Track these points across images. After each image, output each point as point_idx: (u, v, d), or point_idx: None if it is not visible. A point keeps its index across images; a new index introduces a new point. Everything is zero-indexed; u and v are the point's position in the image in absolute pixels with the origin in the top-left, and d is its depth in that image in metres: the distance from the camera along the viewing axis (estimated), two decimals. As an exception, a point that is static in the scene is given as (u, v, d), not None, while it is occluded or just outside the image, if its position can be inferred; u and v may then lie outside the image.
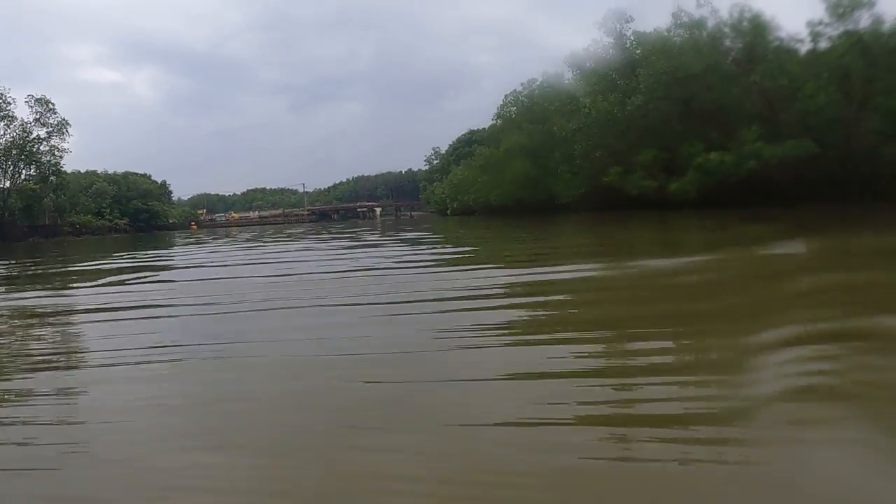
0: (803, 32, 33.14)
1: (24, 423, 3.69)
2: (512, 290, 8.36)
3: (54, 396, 4.25)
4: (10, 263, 22.61)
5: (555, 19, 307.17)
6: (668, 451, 2.79)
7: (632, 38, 43.64)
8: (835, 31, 31.23)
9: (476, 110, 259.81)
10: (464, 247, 19.07)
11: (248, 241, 33.65)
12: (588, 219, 33.45)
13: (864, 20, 30.32)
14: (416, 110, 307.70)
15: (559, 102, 46.76)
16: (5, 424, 3.68)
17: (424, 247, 19.52)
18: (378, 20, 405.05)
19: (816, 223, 19.03)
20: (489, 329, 5.46)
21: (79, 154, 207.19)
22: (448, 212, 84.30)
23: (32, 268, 19.71)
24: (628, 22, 44.28)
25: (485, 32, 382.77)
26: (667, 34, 38.78)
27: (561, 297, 7.65)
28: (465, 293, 7.65)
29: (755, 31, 34.42)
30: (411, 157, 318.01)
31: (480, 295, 7.60)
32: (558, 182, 45.67)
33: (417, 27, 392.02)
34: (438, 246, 19.89)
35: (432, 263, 13.53)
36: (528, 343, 5.06)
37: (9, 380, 4.79)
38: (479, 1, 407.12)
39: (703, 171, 32.58)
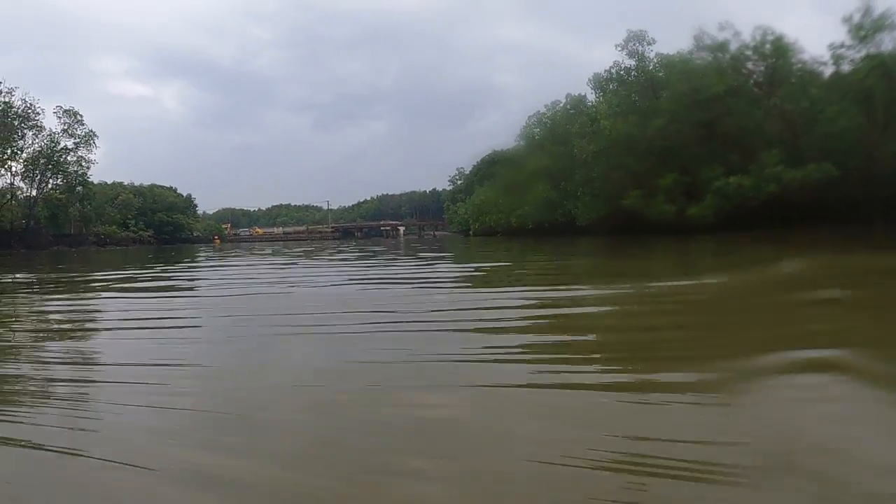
0: (826, 55, 32.83)
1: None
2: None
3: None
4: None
5: (585, 40, 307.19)
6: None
7: (654, 59, 43.49)
8: (857, 53, 31.01)
9: (501, 130, 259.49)
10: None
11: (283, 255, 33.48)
12: (608, 243, 33.11)
13: (886, 43, 29.99)
14: (441, 130, 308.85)
15: (580, 124, 46.57)
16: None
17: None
18: (404, 40, 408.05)
19: (824, 244, 19.38)
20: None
21: (106, 166, 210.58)
22: (470, 232, 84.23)
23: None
24: (650, 44, 44.12)
25: (511, 53, 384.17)
26: (689, 56, 38.58)
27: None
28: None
29: (777, 53, 34.15)
30: (436, 176, 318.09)
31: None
32: (578, 204, 45.44)
33: (444, 47, 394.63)
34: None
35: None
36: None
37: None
38: (506, 23, 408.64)
39: (721, 195, 32.19)
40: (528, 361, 4.85)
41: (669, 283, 10.14)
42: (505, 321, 6.95)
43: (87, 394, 4.37)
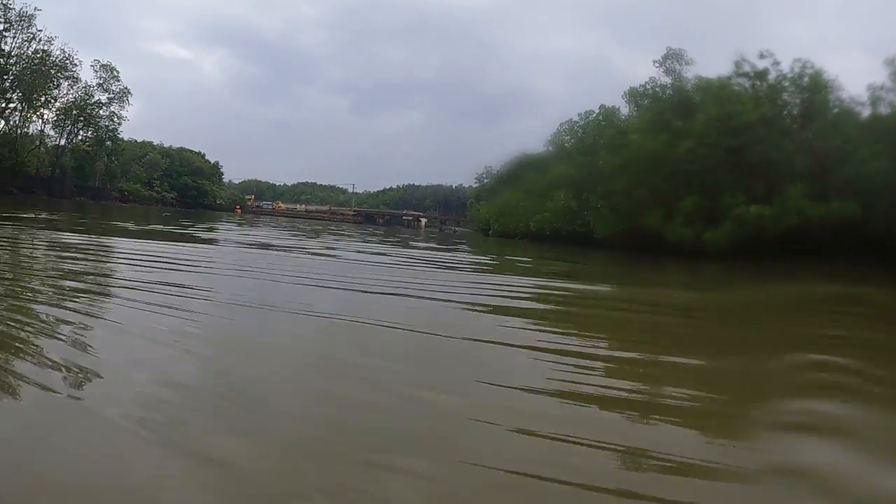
0: (865, 95, 32.28)
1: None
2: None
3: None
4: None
5: (634, 54, 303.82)
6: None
7: (691, 79, 43.04)
8: (896, 97, 30.34)
9: (535, 135, 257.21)
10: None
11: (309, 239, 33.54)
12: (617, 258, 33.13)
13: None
14: (475, 127, 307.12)
15: (608, 136, 46.18)
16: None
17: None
18: (450, 35, 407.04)
19: (808, 277, 21.14)
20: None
21: (138, 124, 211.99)
22: (490, 232, 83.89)
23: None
24: (688, 63, 43.66)
25: (556, 60, 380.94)
26: (727, 81, 38.08)
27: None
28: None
29: (814, 87, 33.66)
30: (463, 172, 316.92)
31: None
32: (597, 217, 45.10)
33: (488, 46, 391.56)
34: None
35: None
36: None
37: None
38: (555, 30, 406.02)
39: (739, 223, 31.77)
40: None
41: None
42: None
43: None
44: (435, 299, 9.18)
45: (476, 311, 8.59)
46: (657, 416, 4.24)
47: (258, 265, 12.32)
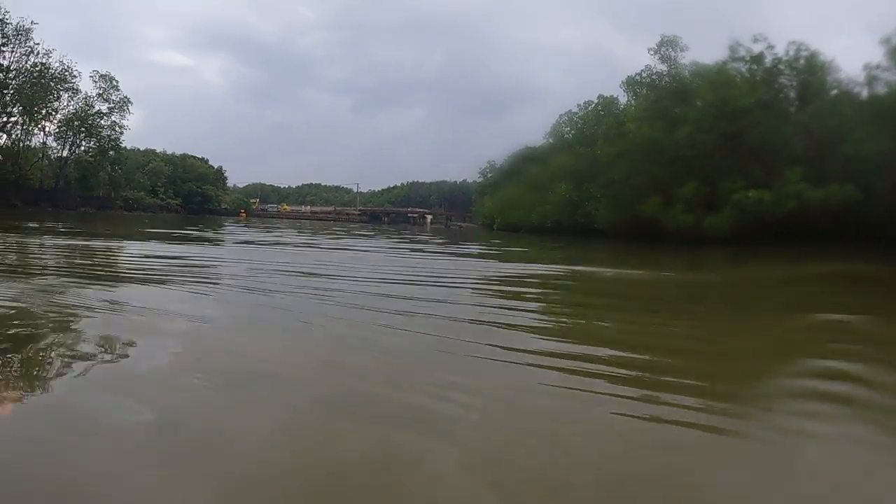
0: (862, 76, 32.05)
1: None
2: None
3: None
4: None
5: (634, 43, 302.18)
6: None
7: (687, 66, 42.85)
8: (894, 76, 30.06)
9: (538, 127, 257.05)
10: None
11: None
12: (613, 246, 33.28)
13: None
14: (478, 122, 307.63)
15: (606, 125, 46.08)
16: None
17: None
18: (450, 31, 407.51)
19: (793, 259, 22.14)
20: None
21: (141, 133, 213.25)
22: (494, 226, 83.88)
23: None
24: (683, 50, 43.49)
25: (557, 52, 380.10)
26: (723, 66, 37.88)
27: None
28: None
29: (810, 69, 33.42)
30: (467, 167, 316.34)
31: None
32: (598, 207, 45.04)
33: (488, 42, 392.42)
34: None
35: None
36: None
37: None
38: (555, 22, 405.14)
39: (739, 208, 31.64)
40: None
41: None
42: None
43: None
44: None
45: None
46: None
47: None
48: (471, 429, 3.48)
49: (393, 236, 36.40)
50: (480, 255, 21.94)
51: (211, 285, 9.14)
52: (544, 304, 9.38)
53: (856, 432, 3.76)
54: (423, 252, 21.74)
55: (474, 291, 10.19)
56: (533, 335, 6.29)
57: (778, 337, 7.08)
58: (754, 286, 14.06)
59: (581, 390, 4.20)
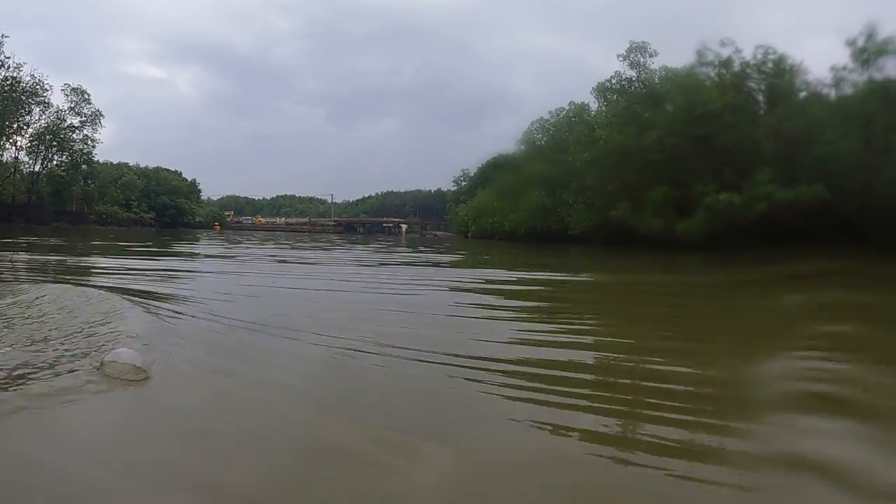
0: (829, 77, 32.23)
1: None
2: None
3: None
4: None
5: (606, 50, 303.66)
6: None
7: (657, 71, 43.02)
8: (859, 77, 30.25)
9: (513, 135, 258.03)
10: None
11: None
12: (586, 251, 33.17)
13: (889, 68, 29.27)
14: (453, 131, 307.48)
15: (576, 132, 46.12)
16: None
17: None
18: (424, 40, 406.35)
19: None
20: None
21: (115, 146, 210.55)
22: (468, 234, 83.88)
23: None
24: (652, 56, 43.67)
25: (531, 60, 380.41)
26: (692, 70, 38.00)
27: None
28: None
29: (777, 73, 33.56)
30: (443, 176, 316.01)
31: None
32: (571, 213, 44.95)
33: (463, 50, 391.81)
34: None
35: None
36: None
37: None
38: (528, 30, 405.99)
39: (711, 212, 31.61)
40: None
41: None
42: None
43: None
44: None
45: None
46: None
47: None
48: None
49: (369, 246, 35.87)
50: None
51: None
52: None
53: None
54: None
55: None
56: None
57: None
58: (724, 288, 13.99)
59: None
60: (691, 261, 24.57)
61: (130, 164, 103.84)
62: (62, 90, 71.19)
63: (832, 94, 32.52)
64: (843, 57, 31.29)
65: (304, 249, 28.91)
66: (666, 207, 34.61)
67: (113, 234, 46.77)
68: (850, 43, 30.38)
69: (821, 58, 61.56)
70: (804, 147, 30.33)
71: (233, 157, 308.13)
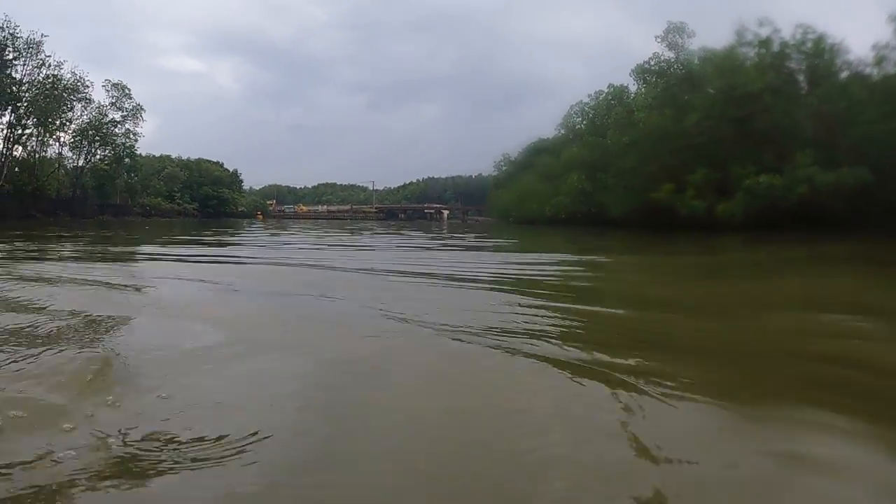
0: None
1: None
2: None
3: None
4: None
5: (648, 31, 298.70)
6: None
7: (696, 52, 42.57)
8: (903, 54, 29.69)
9: (551, 120, 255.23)
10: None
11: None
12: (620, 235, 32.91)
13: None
14: (492, 116, 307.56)
15: (615, 115, 45.89)
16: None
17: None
18: (463, 26, 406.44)
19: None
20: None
21: (157, 139, 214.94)
22: (510, 219, 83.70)
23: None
24: (690, 36, 43.20)
25: (570, 43, 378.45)
26: (731, 51, 37.54)
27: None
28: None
29: (817, 52, 33.03)
30: (483, 161, 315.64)
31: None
32: (611, 196, 44.80)
33: (500, 36, 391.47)
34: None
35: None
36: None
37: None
38: (567, 12, 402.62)
39: (751, 194, 31.37)
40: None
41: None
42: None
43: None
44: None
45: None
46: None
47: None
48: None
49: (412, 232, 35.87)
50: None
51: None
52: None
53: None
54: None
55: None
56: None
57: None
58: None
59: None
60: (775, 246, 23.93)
61: (172, 157, 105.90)
62: (103, 86, 72.64)
63: (874, 73, 31.98)
64: (885, 34, 30.74)
65: (375, 234, 28.84)
66: (706, 190, 34.40)
67: (176, 226, 47.54)
68: (894, 18, 29.86)
69: (864, 35, 60.07)
70: (845, 128, 29.89)
71: (274, 147, 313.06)
